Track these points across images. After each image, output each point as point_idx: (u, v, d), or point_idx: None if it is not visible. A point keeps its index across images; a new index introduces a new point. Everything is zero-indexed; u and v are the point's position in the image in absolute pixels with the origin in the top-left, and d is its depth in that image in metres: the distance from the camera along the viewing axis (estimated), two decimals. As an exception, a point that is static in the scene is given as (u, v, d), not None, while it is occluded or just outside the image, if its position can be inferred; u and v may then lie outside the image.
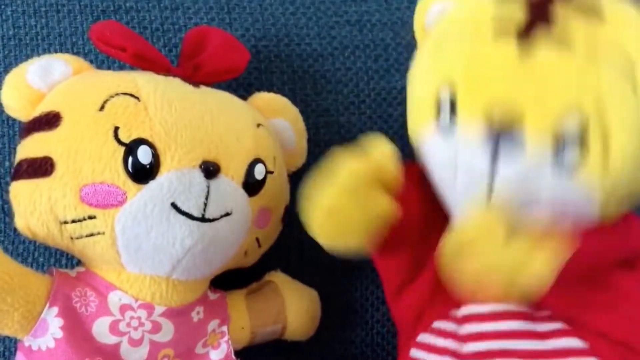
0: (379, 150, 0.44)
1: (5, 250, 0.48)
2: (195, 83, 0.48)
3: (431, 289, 0.47)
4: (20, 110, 0.46)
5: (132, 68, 0.48)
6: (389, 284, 0.50)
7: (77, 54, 0.53)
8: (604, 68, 0.41)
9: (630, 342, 0.43)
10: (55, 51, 0.54)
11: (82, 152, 0.42)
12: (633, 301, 0.44)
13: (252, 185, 0.46)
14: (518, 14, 0.43)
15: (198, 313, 0.47)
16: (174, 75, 0.47)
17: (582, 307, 0.43)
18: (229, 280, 0.51)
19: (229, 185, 0.45)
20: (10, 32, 0.54)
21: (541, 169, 0.40)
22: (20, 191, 0.44)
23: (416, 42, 0.51)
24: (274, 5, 0.59)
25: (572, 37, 0.41)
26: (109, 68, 0.54)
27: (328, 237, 0.44)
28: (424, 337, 0.47)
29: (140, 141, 0.43)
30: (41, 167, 0.43)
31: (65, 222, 0.43)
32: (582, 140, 0.40)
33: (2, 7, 0.54)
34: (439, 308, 0.47)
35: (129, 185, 0.42)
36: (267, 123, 0.50)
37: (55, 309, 0.43)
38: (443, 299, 0.47)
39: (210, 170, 0.43)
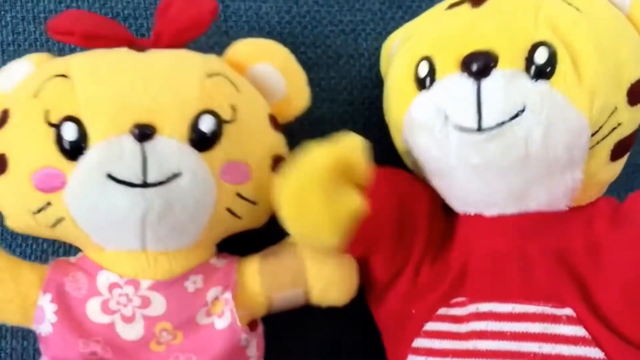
0: (347, 142, 0.45)
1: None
2: (143, 48, 0.46)
3: (410, 290, 0.47)
4: None
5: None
6: (372, 286, 0.49)
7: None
8: (544, 2, 0.43)
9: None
10: (54, 57, 0.54)
11: (23, 142, 0.43)
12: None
13: (203, 140, 0.43)
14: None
15: (194, 282, 0.46)
16: (132, 46, 0.46)
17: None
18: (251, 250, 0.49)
19: (169, 144, 0.42)
20: (10, 38, 0.55)
21: (519, 78, 0.42)
22: None
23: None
24: (270, 14, 0.59)
25: None
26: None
27: (297, 229, 0.44)
28: (419, 342, 0.47)
29: (66, 119, 0.42)
30: (0, 165, 0.44)
31: (35, 213, 0.44)
32: (552, 60, 0.42)
33: (2, 13, 0.55)
34: (424, 309, 0.47)
35: (64, 164, 0.42)
36: (229, 72, 0.47)
37: (49, 295, 0.44)
38: (427, 298, 0.47)
39: (142, 133, 0.41)
